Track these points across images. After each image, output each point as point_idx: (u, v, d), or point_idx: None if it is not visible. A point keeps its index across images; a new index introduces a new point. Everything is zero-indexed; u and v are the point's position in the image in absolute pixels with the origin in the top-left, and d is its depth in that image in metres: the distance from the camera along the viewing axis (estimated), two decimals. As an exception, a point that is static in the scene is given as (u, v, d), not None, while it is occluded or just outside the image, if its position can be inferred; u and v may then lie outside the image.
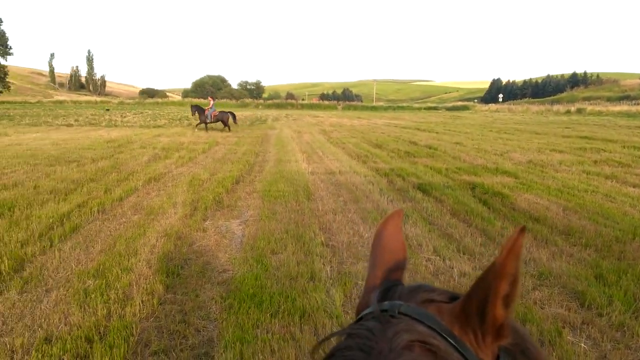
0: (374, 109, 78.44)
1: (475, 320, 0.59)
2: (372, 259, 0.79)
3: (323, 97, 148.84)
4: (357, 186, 9.05)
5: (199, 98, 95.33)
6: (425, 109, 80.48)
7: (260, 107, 77.38)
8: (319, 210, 7.14)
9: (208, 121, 23.33)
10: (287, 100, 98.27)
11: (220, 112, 23.57)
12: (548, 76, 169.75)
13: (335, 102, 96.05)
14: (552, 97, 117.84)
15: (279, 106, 79.20)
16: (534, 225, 6.29)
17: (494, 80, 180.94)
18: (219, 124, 23.74)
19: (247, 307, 3.82)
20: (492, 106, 78.20)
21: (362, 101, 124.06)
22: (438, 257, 5.10)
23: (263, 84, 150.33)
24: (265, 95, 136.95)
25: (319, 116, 46.20)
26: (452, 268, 4.78)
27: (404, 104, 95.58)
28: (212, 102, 24.22)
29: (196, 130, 23.65)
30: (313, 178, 9.92)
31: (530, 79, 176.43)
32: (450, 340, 0.58)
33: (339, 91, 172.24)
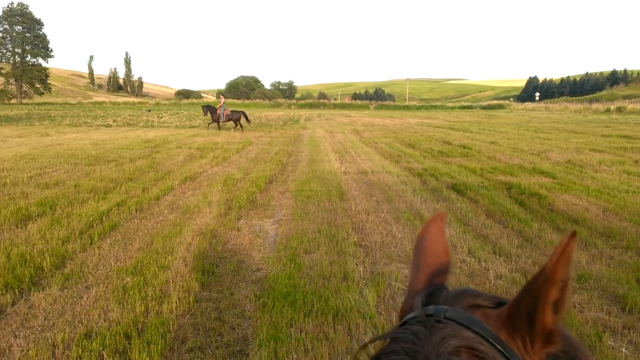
0: (407, 108, 77.84)
1: (524, 326, 0.58)
2: (415, 261, 0.78)
3: (355, 96, 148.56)
4: (390, 186, 9.00)
5: (232, 98, 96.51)
6: (459, 108, 79.28)
7: (292, 107, 77.77)
8: (352, 210, 7.14)
9: (221, 120, 23.81)
10: (319, 100, 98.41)
11: (232, 111, 24.01)
12: (587, 74, 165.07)
13: (368, 101, 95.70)
14: (590, 96, 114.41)
15: (311, 106, 79.43)
16: (572, 227, 6.13)
17: (530, 78, 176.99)
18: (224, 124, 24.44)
19: (281, 306, 3.85)
20: (529, 105, 76.39)
21: (394, 100, 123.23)
22: (473, 259, 5.03)
23: (296, 84, 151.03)
24: (297, 95, 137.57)
25: (351, 116, 46.12)
26: (488, 270, 4.70)
27: (438, 103, 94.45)
28: (222, 100, 24.62)
29: (209, 129, 24.11)
30: (346, 178, 9.92)
31: (568, 76, 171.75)
32: (498, 347, 0.57)
33: (372, 90, 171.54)
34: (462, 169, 10.94)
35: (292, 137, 20.16)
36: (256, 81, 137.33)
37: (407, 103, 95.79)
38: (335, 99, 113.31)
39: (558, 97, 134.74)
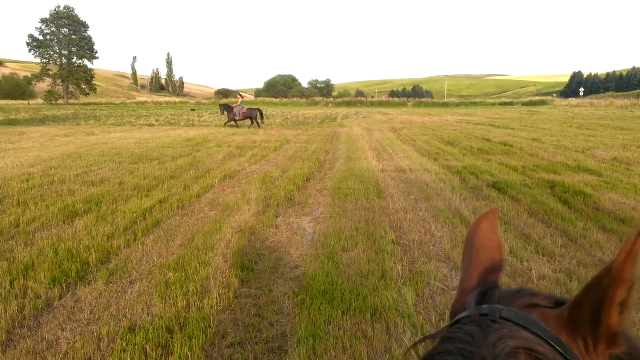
0: (446, 105, 76.70)
1: (586, 327, 0.56)
2: (466, 259, 0.76)
3: (393, 94, 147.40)
4: (429, 184, 8.90)
5: (270, 97, 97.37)
6: (499, 104, 77.61)
7: (330, 105, 77.84)
8: (390, 209, 7.09)
9: (237, 119, 24.25)
10: (356, 98, 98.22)
11: (248, 109, 24.36)
12: (633, 68, 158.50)
13: (405, 99, 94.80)
14: (638, 91, 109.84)
15: (348, 104, 79.28)
16: (619, 227, 5.92)
17: (574, 73, 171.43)
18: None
19: (319, 303, 3.87)
20: (573, 101, 74.14)
21: (432, 98, 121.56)
22: (515, 259, 4.92)
23: (333, 82, 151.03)
24: (335, 93, 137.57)
25: (388, 114, 45.79)
26: (531, 270, 4.59)
27: (477, 100, 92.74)
28: (240, 100, 24.92)
29: (226, 126, 24.64)
30: (383, 176, 9.86)
31: (614, 71, 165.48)
32: (558, 348, 0.55)
33: (409, 88, 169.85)
34: (503, 167, 10.70)
35: (329, 135, 20.18)
36: (294, 80, 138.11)
37: (445, 100, 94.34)
38: (372, 97, 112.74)
39: (603, 93, 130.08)
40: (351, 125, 27.34)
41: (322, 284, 4.24)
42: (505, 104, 78.54)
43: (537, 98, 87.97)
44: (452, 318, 0.68)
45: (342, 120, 32.66)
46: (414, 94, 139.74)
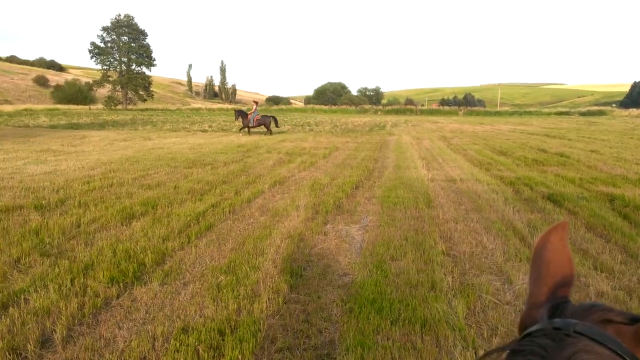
0: (498, 114, 74.86)
1: None
2: (534, 272, 0.76)
3: (443, 102, 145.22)
4: (480, 194, 8.71)
5: (319, 104, 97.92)
6: (555, 114, 74.97)
7: (379, 113, 77.49)
8: (439, 218, 6.99)
9: (251, 125, 24.69)
10: (406, 106, 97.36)
11: (262, 116, 24.90)
12: None
13: (456, 107, 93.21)
14: None
15: (397, 112, 78.67)
16: (687, 245, 5.60)
17: (635, 82, 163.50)
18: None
19: (368, 312, 3.86)
20: (634, 111, 70.69)
21: (485, 106, 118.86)
22: (571, 274, 4.74)
23: (382, 90, 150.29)
24: (384, 101, 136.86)
25: (438, 122, 45.15)
26: (588, 286, 4.42)
27: (532, 109, 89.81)
28: (255, 106, 25.35)
29: (240, 134, 24.85)
30: (433, 185, 9.74)
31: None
32: None
33: (460, 96, 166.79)
34: (559, 179, 10.35)
35: (378, 143, 20.10)
36: (343, 87, 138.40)
37: (498, 109, 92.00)
38: (422, 105, 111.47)
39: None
40: (400, 134, 27.13)
41: (371, 293, 4.23)
42: (561, 113, 75.82)
43: (595, 108, 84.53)
44: (522, 331, 0.68)
45: (391, 128, 32.46)
46: (465, 103, 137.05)
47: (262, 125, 24.87)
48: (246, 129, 25.24)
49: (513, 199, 8.33)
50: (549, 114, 75.66)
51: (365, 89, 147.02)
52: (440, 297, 4.18)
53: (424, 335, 3.53)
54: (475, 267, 5.00)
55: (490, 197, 8.50)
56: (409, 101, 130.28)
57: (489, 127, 35.57)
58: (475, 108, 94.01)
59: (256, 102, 26.42)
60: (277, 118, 27.65)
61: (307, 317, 3.86)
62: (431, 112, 79.29)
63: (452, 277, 4.69)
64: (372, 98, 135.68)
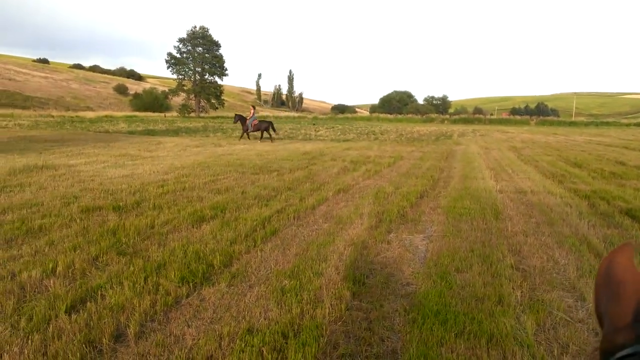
0: (573, 124, 71.46)
1: None
2: (607, 292, 0.73)
3: (514, 111, 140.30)
4: (552, 208, 8.35)
5: (385, 113, 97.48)
6: (635, 124, 70.54)
7: (445, 122, 76.06)
8: (508, 231, 6.77)
9: (250, 130, 25.22)
10: (474, 115, 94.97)
11: (260, 121, 25.56)
12: None
13: (528, 117, 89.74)
14: None
15: (465, 121, 76.91)
16: None
17: None
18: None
19: (431, 323, 3.80)
20: None
21: (558, 116, 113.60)
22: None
23: (449, 98, 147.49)
24: (451, 110, 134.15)
25: (508, 132, 43.69)
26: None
27: (609, 120, 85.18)
28: (252, 111, 26.09)
29: (240, 139, 25.39)
30: (501, 196, 9.44)
31: None
32: None
33: (532, 105, 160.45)
34: (639, 193, 9.74)
35: (444, 153, 19.74)
36: (409, 96, 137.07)
37: (573, 119, 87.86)
38: (491, 114, 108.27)
39: None
40: (467, 143, 26.49)
41: (435, 304, 4.17)
42: (642, 124, 71.25)
43: (682, 118, 78.68)
44: (606, 356, 0.66)
45: (458, 138, 31.77)
46: (537, 112, 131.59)
47: (259, 130, 25.55)
48: (245, 134, 25.89)
49: (588, 213, 7.92)
50: (628, 124, 71.38)
51: (432, 97, 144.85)
52: (508, 311, 4.05)
53: (490, 350, 3.43)
54: (546, 282, 4.80)
55: (564, 210, 8.13)
56: (478, 110, 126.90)
57: (563, 137, 34.02)
58: (548, 118, 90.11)
59: (254, 107, 27.40)
60: (275, 124, 28.54)
61: (369, 325, 3.86)
62: (501, 122, 76.91)
63: (521, 292, 4.53)
64: (439, 107, 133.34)
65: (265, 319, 3.93)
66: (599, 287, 0.75)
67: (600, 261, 0.77)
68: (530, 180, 11.77)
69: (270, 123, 26.15)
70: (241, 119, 26.20)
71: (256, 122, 25.65)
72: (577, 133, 42.72)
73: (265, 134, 25.99)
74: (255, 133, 26.41)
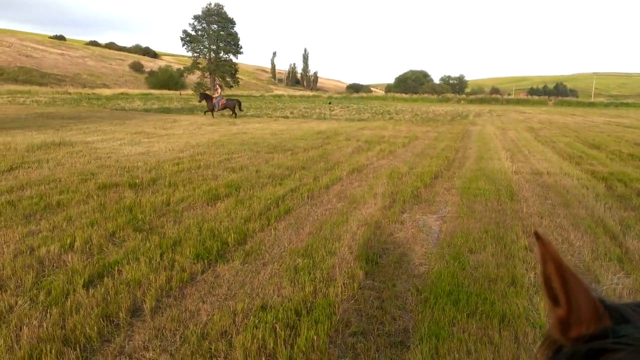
0: (592, 105, 70.15)
1: None
2: (559, 268, 0.68)
3: (532, 91, 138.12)
4: (568, 189, 8.27)
5: (400, 93, 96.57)
6: (658, 105, 69.07)
7: (461, 102, 75.21)
8: (523, 212, 6.73)
9: (216, 109, 25.52)
10: (491, 95, 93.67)
11: (227, 100, 25.99)
12: None
13: (546, 97, 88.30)
14: None
15: (482, 101, 75.94)
16: None
17: None
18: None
19: (443, 303, 3.82)
20: None
21: (577, 97, 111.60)
22: (668, 278, 4.42)
23: (466, 78, 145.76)
24: (467, 90, 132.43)
25: (526, 112, 43.10)
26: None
27: (630, 100, 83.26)
28: (219, 90, 26.58)
29: (205, 115, 26.01)
30: (517, 178, 9.36)
31: None
32: None
33: (551, 85, 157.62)
34: (659, 176, 9.59)
35: (459, 133, 19.55)
36: (425, 75, 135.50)
37: (592, 99, 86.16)
38: (508, 94, 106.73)
39: None
40: (484, 124, 26.21)
41: (447, 284, 4.18)
42: (665, 104, 69.71)
43: None
44: (578, 343, 0.64)
45: (474, 118, 31.43)
46: (555, 92, 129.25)
47: (227, 108, 25.95)
48: (210, 112, 26.11)
49: (605, 195, 7.83)
50: (650, 105, 69.83)
51: (449, 77, 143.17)
52: (521, 292, 4.05)
53: (502, 330, 3.44)
54: (560, 264, 4.78)
55: (580, 192, 8.05)
56: (495, 90, 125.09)
57: (581, 118, 33.49)
58: (567, 98, 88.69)
59: (220, 86, 28.51)
60: (242, 102, 28.77)
61: (381, 304, 3.89)
62: (518, 102, 75.76)
63: (535, 273, 4.52)
64: (455, 87, 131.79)
65: (278, 297, 3.98)
66: (551, 271, 0.70)
67: (539, 247, 0.72)
68: (546, 162, 11.64)
69: (238, 101, 26.65)
70: (207, 97, 26.61)
71: (224, 100, 26.04)
72: (596, 114, 41.98)
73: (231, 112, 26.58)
74: (223, 111, 26.86)
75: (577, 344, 0.63)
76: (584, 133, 20.25)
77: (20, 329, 3.33)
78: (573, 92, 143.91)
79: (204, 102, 27.05)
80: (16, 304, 3.70)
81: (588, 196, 7.74)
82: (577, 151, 13.81)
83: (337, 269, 4.57)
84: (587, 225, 6.07)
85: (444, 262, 4.78)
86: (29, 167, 9.04)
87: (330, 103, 54.93)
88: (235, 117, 25.84)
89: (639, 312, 0.64)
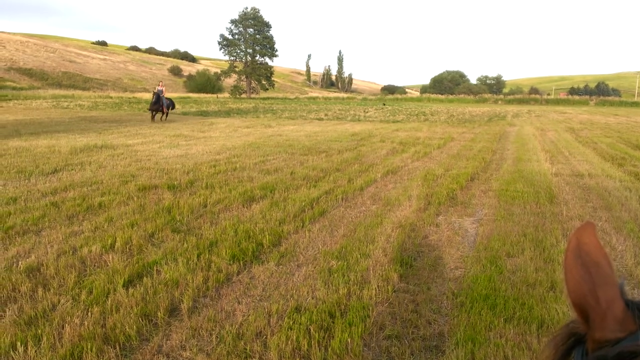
0: (636, 105, 67.76)
1: None
2: (586, 276, 0.68)
3: (572, 91, 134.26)
4: (610, 192, 8.01)
5: (436, 94, 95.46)
6: None
7: (499, 102, 73.79)
8: (563, 216, 6.56)
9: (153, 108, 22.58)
10: (529, 95, 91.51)
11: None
12: None
13: (587, 97, 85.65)
14: None
15: (520, 101, 74.28)
16: None
17: None
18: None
19: (480, 307, 3.77)
20: None
21: (620, 96, 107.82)
22: None
23: (504, 78, 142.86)
24: (505, 90, 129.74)
25: (566, 112, 41.94)
26: None
27: (678, 99, 79.96)
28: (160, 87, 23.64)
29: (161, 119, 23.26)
30: (557, 180, 9.12)
31: None
32: None
33: (592, 85, 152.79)
34: None
35: (497, 134, 19.19)
36: (462, 76, 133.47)
37: (636, 99, 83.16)
38: (548, 94, 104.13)
39: None
40: (522, 124, 25.64)
41: (484, 288, 4.11)
42: None
43: None
44: (600, 346, 0.62)
45: (512, 119, 30.79)
46: (597, 92, 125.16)
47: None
48: (153, 113, 23.16)
49: (650, 198, 7.55)
50: (699, 104, 66.90)
51: (486, 77, 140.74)
52: (560, 298, 3.95)
53: (540, 336, 3.37)
54: (602, 269, 4.64)
55: (623, 194, 7.78)
56: (534, 90, 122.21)
57: (624, 118, 32.36)
58: (609, 98, 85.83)
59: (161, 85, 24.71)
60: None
61: (416, 308, 3.86)
62: (558, 102, 73.81)
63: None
64: (493, 87, 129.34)
65: (312, 298, 4.00)
66: (573, 269, 0.69)
67: (568, 242, 0.70)
68: (588, 163, 11.31)
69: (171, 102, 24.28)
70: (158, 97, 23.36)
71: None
72: (639, 114, 40.54)
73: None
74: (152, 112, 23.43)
75: (604, 345, 0.63)
76: (627, 133, 19.57)
77: (63, 327, 3.45)
78: (616, 92, 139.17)
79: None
80: (59, 302, 3.84)
81: (631, 199, 7.48)
82: (619, 152, 13.36)
83: (371, 271, 4.56)
84: (630, 228, 5.87)
85: (480, 266, 4.71)
86: (72, 170, 9.36)
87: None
88: (164, 118, 23.15)
89: None
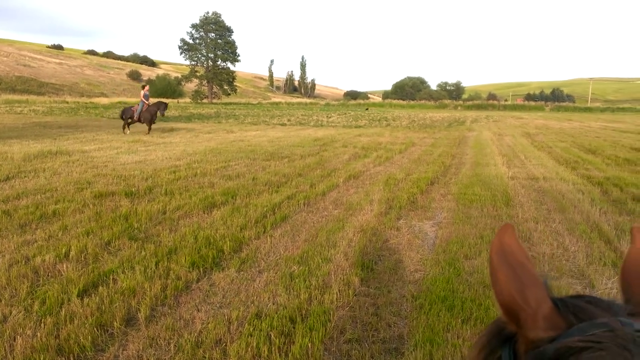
0: (588, 110, 70.53)
1: None
2: (514, 276, 0.67)
3: (529, 97, 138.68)
4: (564, 194, 8.29)
5: (398, 99, 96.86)
6: (653, 110, 69.37)
7: (459, 108, 75.41)
8: (519, 218, 6.75)
9: (134, 119, 20.85)
10: (488, 101, 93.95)
11: (127, 109, 21.43)
12: None
13: (543, 102, 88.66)
14: None
15: (479, 107, 76.21)
16: None
17: None
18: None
19: (438, 309, 3.83)
20: None
21: (574, 102, 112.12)
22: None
23: (463, 84, 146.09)
24: (465, 96, 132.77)
25: (523, 118, 43.26)
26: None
27: (626, 105, 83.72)
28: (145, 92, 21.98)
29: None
30: (513, 183, 9.38)
31: None
32: None
33: (548, 91, 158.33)
34: (654, 180, 9.61)
35: (456, 139, 19.60)
36: (422, 82, 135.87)
37: (589, 105, 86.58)
38: (505, 100, 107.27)
39: None
40: (480, 129, 26.28)
41: (442, 290, 4.19)
42: (661, 109, 70.02)
43: (702, 103, 77.23)
44: (533, 347, 0.62)
45: (470, 124, 31.52)
46: (552, 98, 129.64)
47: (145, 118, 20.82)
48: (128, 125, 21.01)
49: (600, 200, 7.85)
50: (646, 110, 70.16)
51: (446, 83, 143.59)
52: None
53: (496, 336, 3.44)
54: (555, 269, 4.80)
55: (576, 197, 8.07)
56: (492, 96, 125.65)
57: (578, 123, 33.62)
58: (564, 104, 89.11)
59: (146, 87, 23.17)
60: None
61: (376, 311, 3.89)
62: (515, 108, 76.18)
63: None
64: (452, 93, 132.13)
65: (273, 304, 3.98)
66: (499, 270, 0.68)
67: (491, 244, 0.71)
68: (543, 167, 11.67)
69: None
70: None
71: (136, 107, 21.27)
72: (592, 119, 42.17)
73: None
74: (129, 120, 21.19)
75: (539, 344, 0.64)
76: (580, 138, 20.32)
77: (14, 339, 3.32)
78: (570, 98, 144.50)
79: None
80: (10, 313, 3.69)
81: (584, 201, 7.76)
82: (573, 156, 13.85)
83: (332, 275, 4.57)
84: (582, 230, 6.09)
85: (439, 268, 4.79)
86: (25, 177, 9.03)
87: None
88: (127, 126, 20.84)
89: (594, 306, 0.64)
